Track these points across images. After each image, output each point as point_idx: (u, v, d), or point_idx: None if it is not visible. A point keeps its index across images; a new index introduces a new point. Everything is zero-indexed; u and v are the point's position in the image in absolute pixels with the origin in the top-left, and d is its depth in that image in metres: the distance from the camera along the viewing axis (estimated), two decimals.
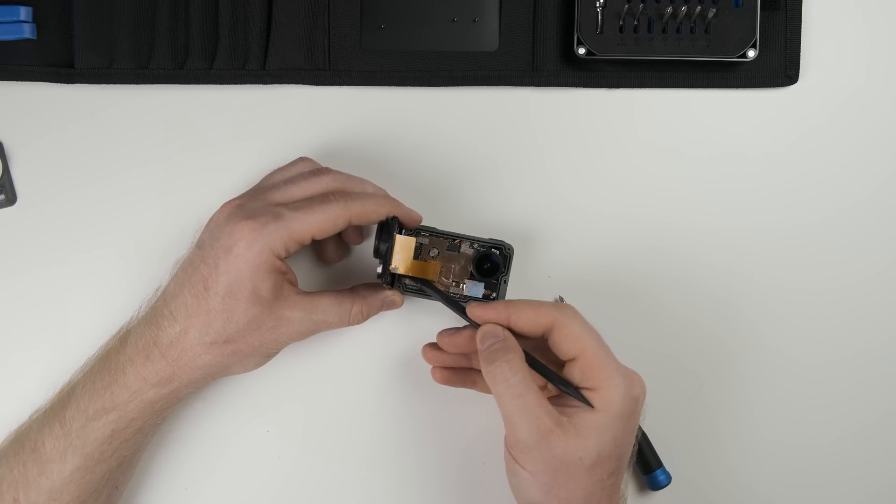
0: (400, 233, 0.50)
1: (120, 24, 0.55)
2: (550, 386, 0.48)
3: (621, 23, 0.54)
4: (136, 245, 0.56)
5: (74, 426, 0.47)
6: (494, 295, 0.51)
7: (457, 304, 0.50)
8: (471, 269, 0.51)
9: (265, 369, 0.50)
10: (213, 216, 0.48)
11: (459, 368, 0.53)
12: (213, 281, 0.46)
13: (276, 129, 0.56)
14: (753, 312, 0.56)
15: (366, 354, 0.56)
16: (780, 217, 0.56)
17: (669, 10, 0.53)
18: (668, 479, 0.55)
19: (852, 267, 0.56)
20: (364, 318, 0.51)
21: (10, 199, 0.56)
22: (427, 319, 0.56)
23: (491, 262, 0.51)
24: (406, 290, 0.52)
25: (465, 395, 0.55)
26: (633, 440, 0.47)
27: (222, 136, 0.56)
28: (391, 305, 0.52)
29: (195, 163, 0.56)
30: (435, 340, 0.52)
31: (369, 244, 0.55)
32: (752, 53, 0.54)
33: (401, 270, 0.51)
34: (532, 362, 0.47)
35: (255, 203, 0.48)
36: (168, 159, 0.56)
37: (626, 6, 0.53)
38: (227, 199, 0.49)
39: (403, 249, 0.51)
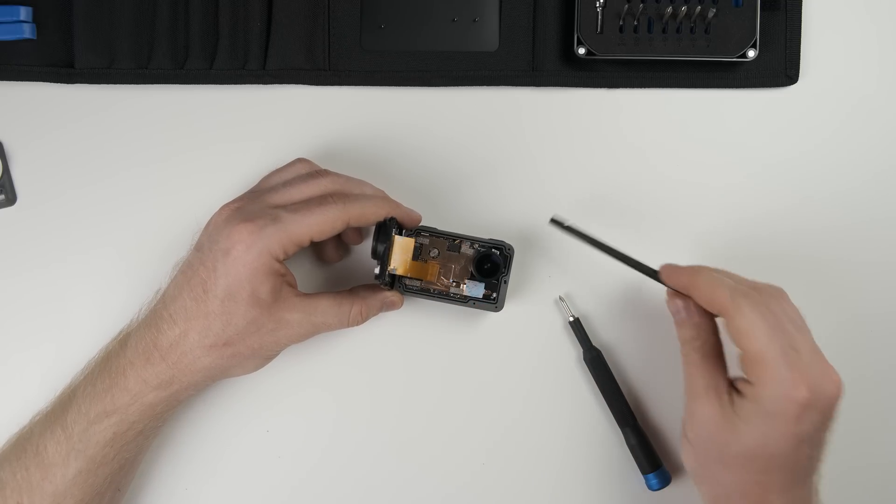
0: (400, 233, 0.50)
1: (120, 24, 0.55)
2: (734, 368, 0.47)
3: (621, 23, 0.54)
4: (136, 245, 0.56)
5: (76, 430, 0.47)
6: (495, 295, 0.51)
7: (640, 264, 0.50)
8: (471, 269, 0.51)
9: (266, 370, 0.50)
10: (211, 219, 0.48)
11: None
12: (212, 284, 0.46)
13: (276, 129, 0.56)
14: None
15: (366, 355, 0.56)
16: (781, 217, 0.56)
17: (669, 10, 0.53)
18: (668, 479, 0.55)
19: (853, 267, 0.56)
20: (363, 319, 0.51)
21: (10, 199, 0.56)
22: (427, 320, 0.56)
23: (491, 263, 0.51)
24: (407, 291, 0.52)
25: (464, 396, 0.56)
26: (796, 447, 0.44)
27: (222, 136, 0.56)
28: (391, 306, 0.52)
29: (195, 163, 0.56)
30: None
31: (369, 244, 0.55)
32: (752, 53, 0.54)
33: (400, 271, 0.51)
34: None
35: (254, 205, 0.47)
36: (168, 159, 0.56)
37: (626, 6, 0.53)
38: (226, 202, 0.49)
39: (402, 250, 0.50)
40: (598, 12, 0.54)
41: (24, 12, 0.54)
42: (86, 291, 0.56)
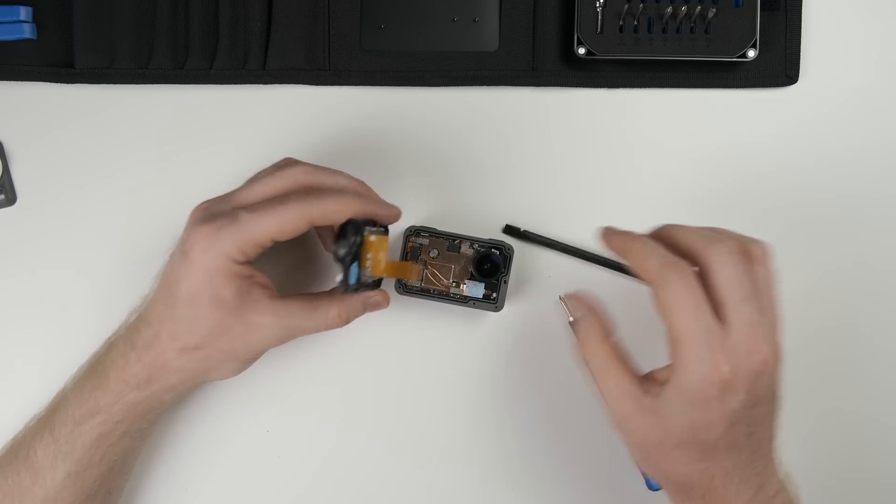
0: (384, 230, 0.47)
1: (120, 24, 0.55)
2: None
3: (621, 23, 0.54)
4: (135, 245, 0.56)
5: (63, 432, 0.47)
6: (495, 295, 0.51)
7: (604, 259, 0.47)
8: (471, 269, 0.51)
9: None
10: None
11: None
12: (176, 287, 0.45)
13: (277, 129, 0.56)
14: None
15: (366, 355, 0.56)
16: (781, 217, 0.56)
17: (669, 10, 0.53)
18: None
19: (852, 267, 0.56)
20: (344, 321, 0.48)
21: (10, 199, 0.56)
22: (427, 320, 0.56)
23: (491, 263, 0.51)
24: (407, 292, 0.52)
25: (464, 396, 0.56)
26: (728, 429, 0.41)
27: (222, 136, 0.56)
28: (376, 306, 0.50)
29: (195, 163, 0.56)
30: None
31: None
32: (752, 53, 0.54)
33: (375, 273, 0.47)
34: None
35: (221, 205, 0.46)
36: (168, 159, 0.56)
37: (626, 6, 0.53)
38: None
39: (376, 249, 0.47)
40: (598, 12, 0.54)
41: (24, 12, 0.54)
42: (85, 291, 0.56)
